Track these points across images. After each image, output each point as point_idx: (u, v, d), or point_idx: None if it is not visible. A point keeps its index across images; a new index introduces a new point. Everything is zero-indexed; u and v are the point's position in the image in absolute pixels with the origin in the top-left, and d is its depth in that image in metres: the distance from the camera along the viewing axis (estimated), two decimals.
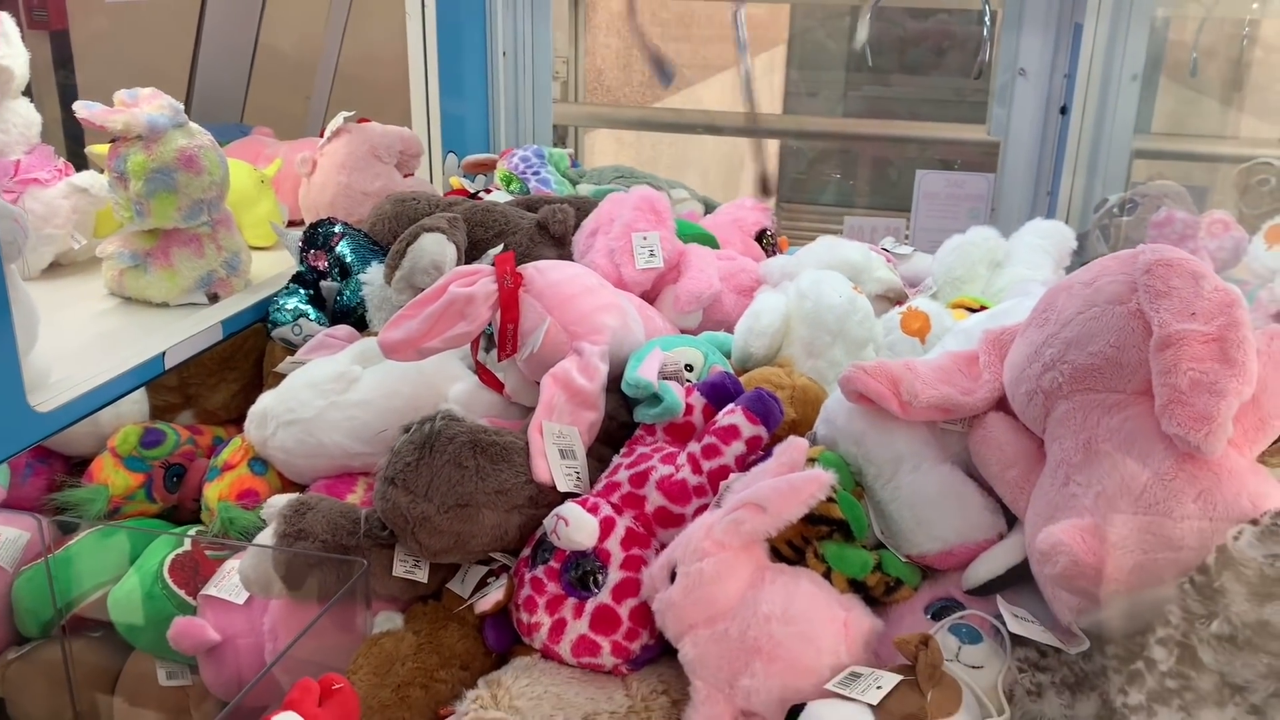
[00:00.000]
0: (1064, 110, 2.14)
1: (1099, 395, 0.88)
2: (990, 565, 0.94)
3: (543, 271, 1.25)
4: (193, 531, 1.32)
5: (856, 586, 0.97)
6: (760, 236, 1.82)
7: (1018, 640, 0.89)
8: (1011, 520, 0.98)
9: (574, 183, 2.02)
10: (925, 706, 0.82)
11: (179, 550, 1.27)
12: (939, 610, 0.96)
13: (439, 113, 2.09)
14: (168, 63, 2.50)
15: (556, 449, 1.13)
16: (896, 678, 0.85)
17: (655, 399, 1.12)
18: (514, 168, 1.99)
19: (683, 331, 1.46)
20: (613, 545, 1.02)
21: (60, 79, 3.22)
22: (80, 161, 1.82)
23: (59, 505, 1.34)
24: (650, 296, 1.50)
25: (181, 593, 1.23)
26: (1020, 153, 2.23)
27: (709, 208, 2.07)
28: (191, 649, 1.18)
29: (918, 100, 4.83)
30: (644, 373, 1.13)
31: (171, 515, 1.42)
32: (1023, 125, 2.21)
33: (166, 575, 1.24)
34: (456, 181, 2.00)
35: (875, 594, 0.98)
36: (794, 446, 0.97)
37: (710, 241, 1.66)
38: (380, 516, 1.10)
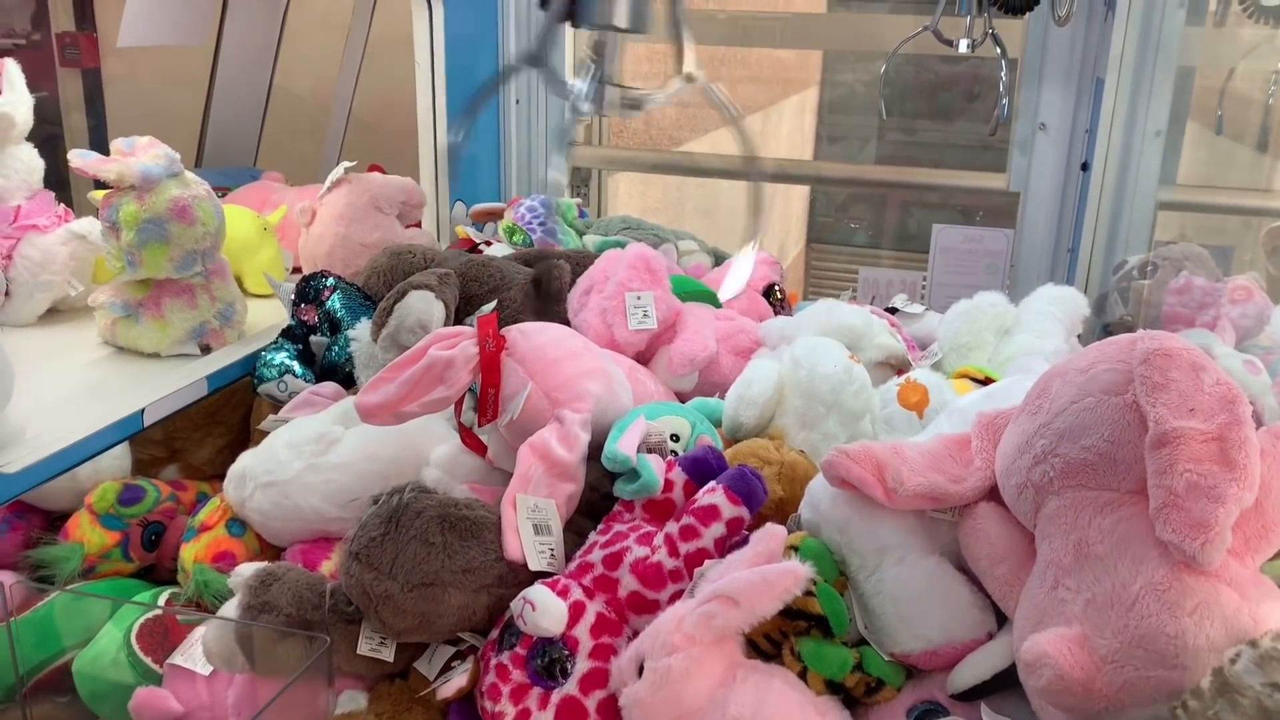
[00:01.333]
0: (1085, 166, 2.09)
1: (1092, 493, 0.82)
2: (976, 669, 0.88)
3: (526, 335, 1.21)
4: (165, 595, 1.28)
5: (835, 687, 0.91)
6: (768, 291, 1.78)
7: None
8: (1002, 619, 0.92)
9: (581, 233, 1.99)
10: None
11: (148, 615, 1.23)
12: (922, 714, 0.90)
13: (447, 159, 2.07)
14: (193, 104, 2.51)
15: (530, 524, 1.08)
16: None
17: (634, 474, 1.07)
18: (519, 218, 1.97)
19: (677, 394, 1.41)
20: (581, 632, 0.98)
21: (90, 116, 3.26)
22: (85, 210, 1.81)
23: (33, 563, 1.32)
24: (645, 357, 1.46)
25: (148, 660, 1.20)
26: (1040, 208, 2.18)
27: (718, 259, 2.03)
28: None
29: (944, 146, 4.79)
30: (623, 446, 1.09)
31: (149, 574, 1.38)
32: (1043, 180, 2.16)
33: (134, 642, 1.20)
34: (463, 231, 1.97)
35: (855, 694, 0.92)
36: (771, 535, 0.92)
37: (711, 298, 1.62)
38: (345, 592, 1.06)
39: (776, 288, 1.79)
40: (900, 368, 1.39)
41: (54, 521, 1.40)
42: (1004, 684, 0.87)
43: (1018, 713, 0.85)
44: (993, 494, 0.95)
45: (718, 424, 1.27)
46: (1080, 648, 0.77)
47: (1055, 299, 1.46)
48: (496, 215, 2.07)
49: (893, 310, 1.78)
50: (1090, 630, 0.78)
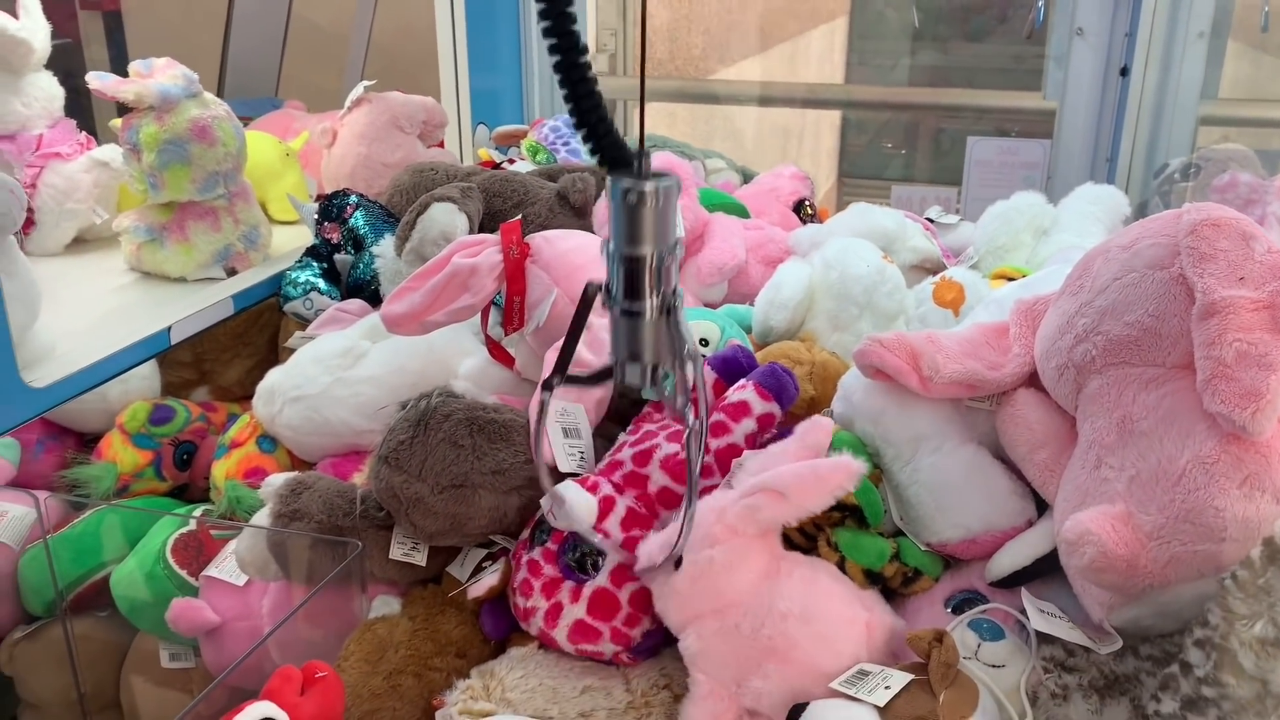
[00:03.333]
0: (1124, 72, 2.02)
1: (1135, 370, 0.80)
2: (1016, 555, 0.86)
3: (551, 241, 1.19)
4: (198, 511, 1.29)
5: (872, 578, 0.90)
6: (799, 207, 1.74)
7: (1044, 638, 0.81)
8: (1042, 507, 0.90)
9: None
10: (937, 709, 0.75)
11: (183, 530, 1.24)
12: (960, 603, 0.89)
13: (468, 84, 2.04)
14: (213, 38, 2.48)
15: (559, 427, 1.07)
16: (907, 677, 0.78)
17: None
18: (543, 138, 1.93)
19: (705, 305, 1.39)
20: (612, 526, 0.96)
21: (111, 48, 3.24)
22: (107, 137, 1.80)
23: (68, 483, 1.32)
24: None
25: (183, 573, 1.21)
26: (1078, 118, 2.11)
27: (746, 178, 1.99)
28: (190, 631, 1.15)
29: (977, 69, 4.68)
30: None
31: (182, 494, 1.39)
32: (1080, 89, 2.09)
33: (169, 555, 1.21)
34: (485, 153, 1.95)
35: (892, 585, 0.91)
36: (818, 428, 0.89)
37: (740, 211, 1.58)
38: (376, 496, 1.06)
39: (807, 203, 1.75)
40: (935, 271, 1.35)
41: (87, 443, 1.41)
42: (1044, 570, 0.85)
43: (1058, 598, 0.84)
44: (1032, 380, 0.92)
45: (748, 330, 1.25)
46: (1125, 524, 0.74)
47: (1095, 198, 1.42)
48: (519, 138, 2.03)
49: (928, 222, 1.74)
50: (1135, 507, 0.75)
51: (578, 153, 1.93)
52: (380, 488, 1.03)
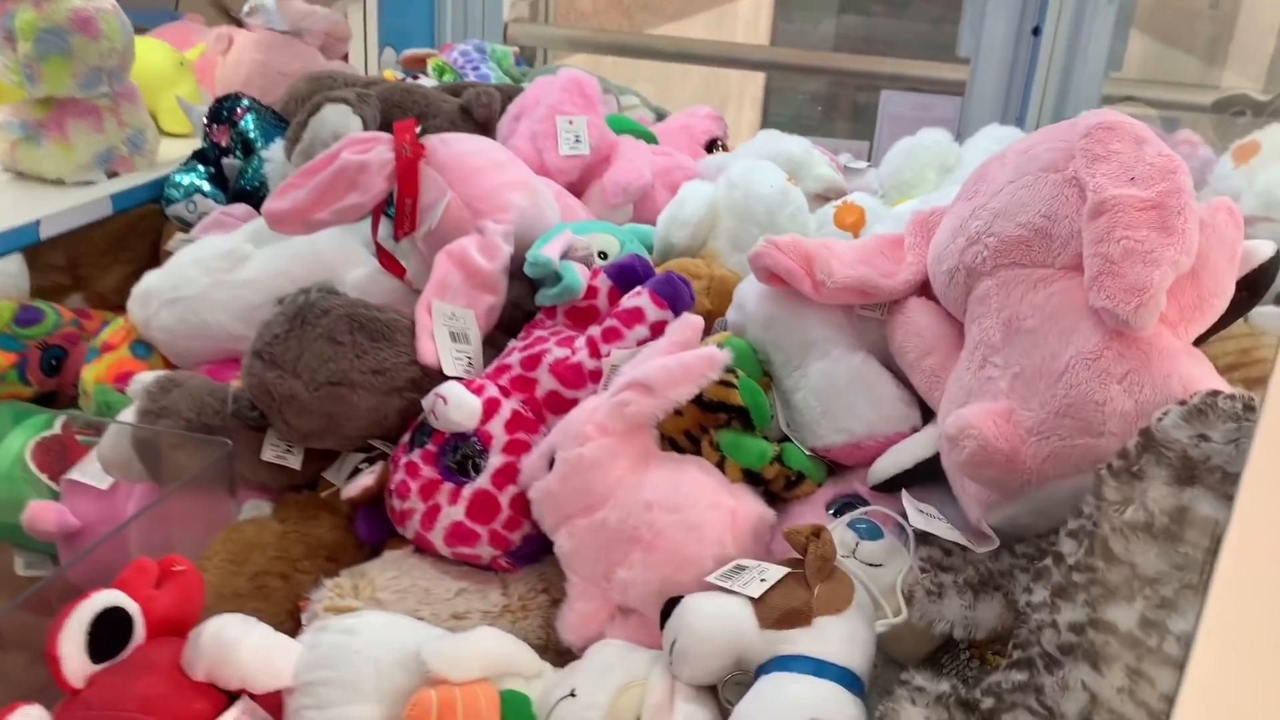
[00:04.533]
0: (1036, 31, 2.04)
1: (1025, 270, 0.79)
2: (898, 458, 0.85)
3: (447, 142, 1.14)
4: (64, 416, 1.22)
5: (754, 480, 0.88)
6: (711, 146, 1.72)
7: (922, 539, 0.80)
8: (928, 416, 0.89)
9: (516, 81, 1.90)
10: (810, 601, 0.73)
11: (46, 433, 1.17)
12: (842, 507, 0.88)
13: (375, 2, 1.96)
14: None
15: (447, 330, 1.03)
16: (783, 571, 0.76)
17: (556, 278, 1.02)
18: (452, 61, 1.88)
19: None
20: (496, 428, 0.93)
21: None
22: None
23: None
24: (577, 190, 1.39)
25: (43, 477, 1.14)
26: (989, 75, 2.13)
27: (660, 116, 1.96)
28: (47, 535, 1.09)
29: (897, 41, 4.73)
30: (547, 251, 1.04)
31: (50, 401, 1.32)
32: (993, 46, 2.11)
33: (28, 458, 1.15)
34: (391, 75, 1.88)
35: (775, 488, 0.89)
36: (687, 324, 0.88)
37: (648, 138, 1.56)
38: (248, 395, 1.01)
39: (719, 142, 1.73)
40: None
41: None
42: (925, 475, 0.85)
43: (939, 504, 0.83)
44: (924, 290, 0.91)
45: (649, 250, 1.22)
46: (1006, 420, 0.74)
47: (1000, 138, 1.42)
48: (425, 62, 1.97)
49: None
50: (1017, 403, 0.75)
51: (487, 77, 1.88)
52: (253, 384, 0.99)
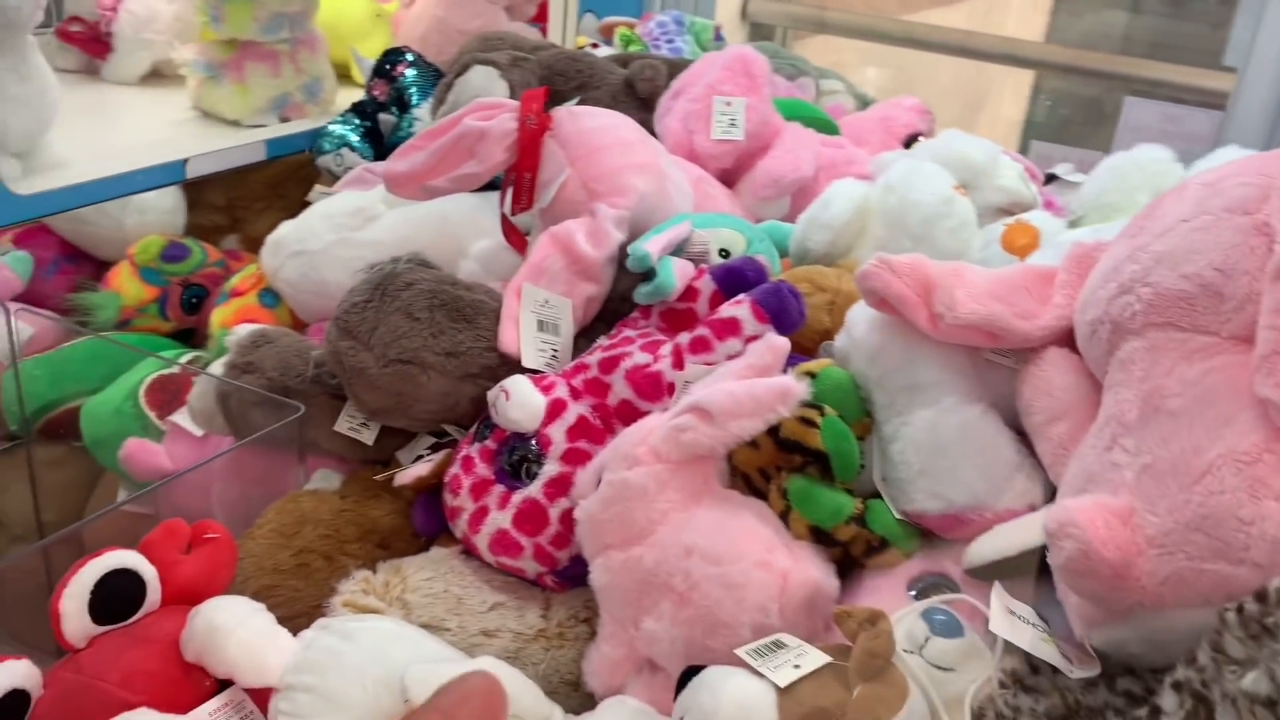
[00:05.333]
0: None
1: (1182, 334, 0.62)
2: (1001, 542, 0.70)
3: (575, 116, 1.06)
4: (189, 356, 1.23)
5: (824, 540, 0.75)
6: (910, 141, 1.56)
7: (1013, 649, 0.66)
8: (1053, 494, 0.74)
9: None
10: (845, 705, 0.61)
11: (164, 371, 1.18)
12: (926, 588, 0.73)
13: None
14: None
15: (535, 319, 0.95)
16: (825, 659, 0.64)
17: (653, 274, 0.92)
18: (647, 33, 1.80)
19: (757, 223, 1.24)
20: (557, 433, 0.85)
21: None
22: None
23: (72, 307, 1.29)
24: (730, 178, 1.28)
25: (152, 414, 1.15)
26: (1259, 88, 1.85)
27: (864, 104, 1.81)
28: (140, 474, 1.10)
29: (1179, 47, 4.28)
30: (649, 244, 0.93)
31: (188, 339, 1.34)
32: (1268, 56, 1.83)
33: (141, 394, 1.16)
34: (583, 41, 1.82)
35: (854, 552, 0.76)
36: (770, 346, 0.76)
37: (830, 128, 1.42)
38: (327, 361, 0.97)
39: (921, 138, 1.56)
40: None
41: (103, 271, 1.37)
42: (1035, 570, 0.69)
43: (1046, 608, 0.68)
44: (1069, 340, 0.75)
45: (783, 253, 1.10)
46: (1122, 523, 0.58)
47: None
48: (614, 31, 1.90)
49: (1050, 179, 1.53)
50: (1141, 503, 0.59)
51: (680, 52, 1.78)
52: (329, 351, 0.94)
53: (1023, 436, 0.76)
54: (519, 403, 0.84)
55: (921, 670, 0.66)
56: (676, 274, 0.90)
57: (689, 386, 0.80)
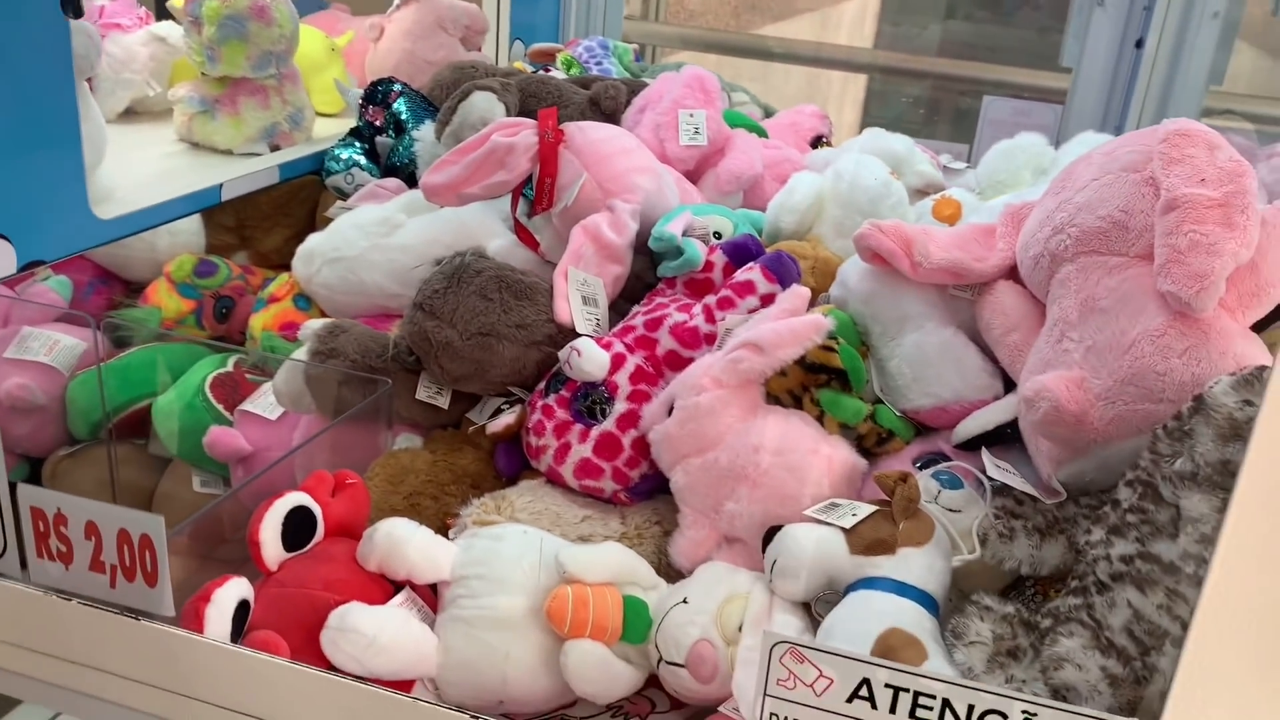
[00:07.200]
0: (1139, 44, 2.11)
1: (1102, 258, 0.89)
2: (980, 420, 0.96)
3: (584, 130, 1.28)
4: (235, 357, 1.39)
5: (849, 435, 1.00)
6: (816, 142, 1.83)
7: (998, 491, 0.91)
8: (1010, 388, 1.00)
9: (636, 76, 2.04)
10: (896, 534, 0.85)
11: (221, 370, 1.34)
12: (927, 463, 0.99)
13: (509, 2, 2.12)
14: None
15: (579, 294, 1.17)
16: (873, 508, 0.88)
17: (677, 252, 1.15)
18: (577, 55, 2.02)
19: None
20: (621, 379, 1.07)
21: None
22: (163, 15, 1.88)
23: (115, 323, 1.42)
24: (693, 177, 1.52)
25: (220, 406, 1.31)
26: (1091, 85, 2.20)
27: (769, 113, 2.08)
28: (225, 456, 1.25)
29: (1003, 48, 4.75)
30: (670, 227, 1.17)
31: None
32: (1096, 57, 2.18)
33: (208, 390, 1.31)
34: (520, 67, 2.03)
35: (867, 444, 1.01)
36: (795, 294, 1.00)
37: (760, 133, 1.67)
38: (407, 341, 1.16)
39: (824, 140, 1.84)
40: None
41: (132, 291, 1.51)
42: (1004, 438, 0.95)
43: (1014, 463, 0.94)
44: (1012, 275, 1.02)
45: (759, 232, 1.34)
46: (1078, 386, 0.84)
47: (1095, 144, 1.50)
48: (552, 56, 2.12)
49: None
50: (1089, 372, 0.85)
51: (609, 72, 2.02)
52: (413, 332, 1.13)
53: (981, 348, 1.02)
54: (590, 358, 1.06)
55: (939, 512, 0.91)
56: (700, 250, 1.13)
57: (730, 332, 1.03)
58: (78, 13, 1.07)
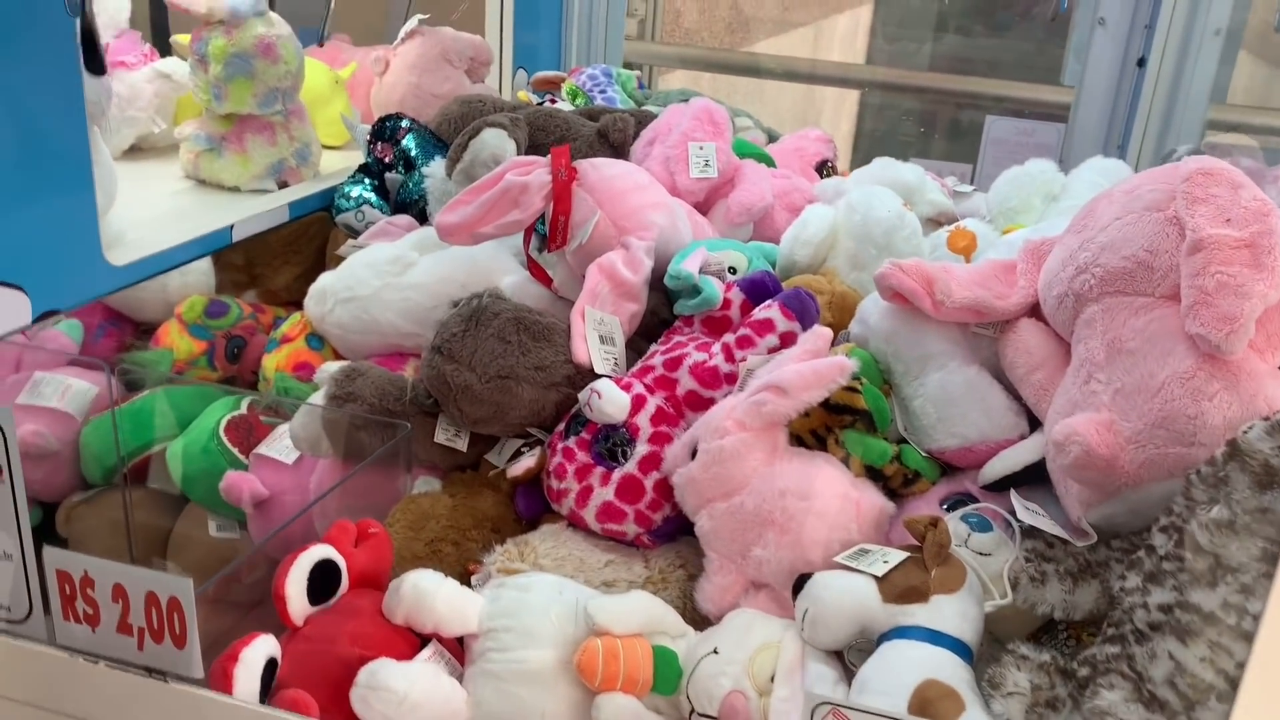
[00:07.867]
0: (1141, 63, 2.11)
1: (1128, 298, 0.89)
2: (1007, 461, 0.96)
3: (597, 167, 1.28)
4: (248, 399, 1.38)
5: (875, 476, 0.99)
6: (821, 167, 1.83)
7: (1027, 533, 0.91)
8: (1034, 426, 1.00)
9: (640, 104, 2.04)
10: (928, 581, 0.85)
11: (235, 413, 1.33)
12: (954, 504, 0.99)
13: (512, 28, 2.12)
14: None
15: (596, 334, 1.16)
16: (903, 555, 0.87)
17: (695, 291, 1.15)
18: (581, 84, 2.02)
19: None
20: (642, 420, 1.06)
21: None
22: (166, 52, 1.88)
23: (126, 365, 1.42)
24: (703, 209, 1.52)
25: (235, 450, 1.30)
26: (1094, 104, 2.20)
27: (772, 139, 2.08)
28: (241, 501, 1.25)
29: (998, 62, 4.76)
30: (687, 265, 1.16)
31: (229, 385, 1.48)
32: (1098, 76, 2.18)
33: (222, 433, 1.31)
34: (525, 96, 2.03)
35: (893, 485, 1.01)
36: (818, 335, 1.00)
37: (768, 161, 1.67)
38: (425, 384, 1.15)
39: (829, 164, 1.84)
40: (948, 224, 1.44)
41: (143, 333, 1.51)
42: (1031, 478, 0.95)
43: (1043, 504, 0.93)
44: (1034, 312, 1.02)
45: (773, 265, 1.34)
46: (1108, 429, 0.84)
47: (1104, 170, 1.51)
48: (556, 84, 2.12)
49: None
50: (1118, 415, 0.85)
51: (613, 100, 2.02)
52: (432, 375, 1.13)
53: (1005, 386, 1.02)
54: (610, 400, 1.05)
55: (969, 557, 0.90)
56: (717, 288, 1.13)
57: (752, 373, 1.02)
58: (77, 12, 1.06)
